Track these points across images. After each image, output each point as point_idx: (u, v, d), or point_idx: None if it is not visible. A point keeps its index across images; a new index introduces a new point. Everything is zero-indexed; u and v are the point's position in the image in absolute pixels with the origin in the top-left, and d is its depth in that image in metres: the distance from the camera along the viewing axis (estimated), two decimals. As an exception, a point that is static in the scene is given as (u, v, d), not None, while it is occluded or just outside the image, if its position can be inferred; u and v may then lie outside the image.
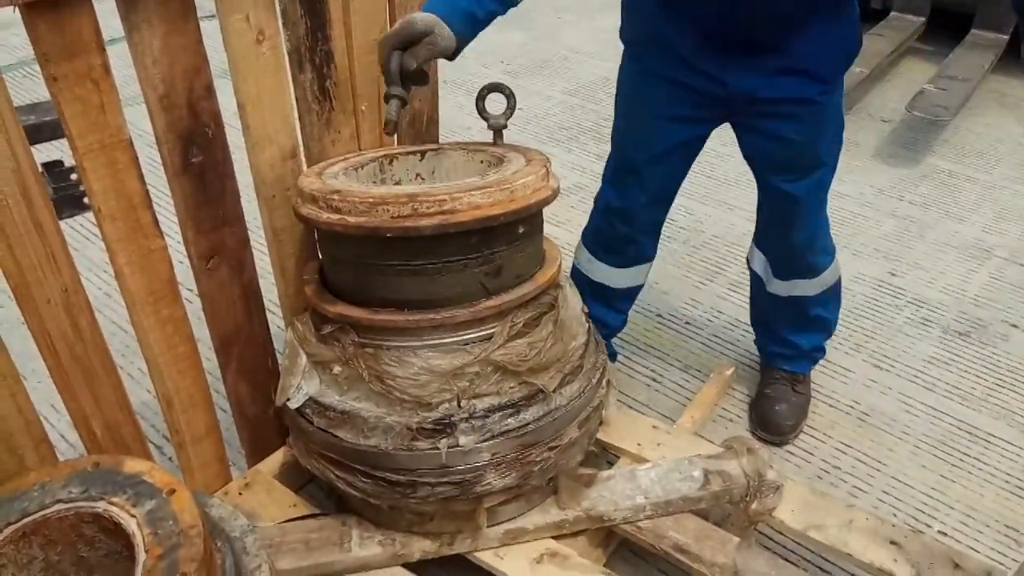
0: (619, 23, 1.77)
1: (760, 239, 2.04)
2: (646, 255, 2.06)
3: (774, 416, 2.10)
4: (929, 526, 1.86)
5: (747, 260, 2.14)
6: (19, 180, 1.16)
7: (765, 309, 2.12)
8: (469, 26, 1.42)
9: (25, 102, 3.60)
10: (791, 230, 1.88)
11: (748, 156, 1.83)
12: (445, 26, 1.37)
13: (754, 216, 2.01)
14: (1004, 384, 2.30)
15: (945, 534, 1.84)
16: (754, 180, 1.88)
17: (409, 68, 1.38)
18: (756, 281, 2.10)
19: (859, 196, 3.28)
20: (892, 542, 1.54)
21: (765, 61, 1.60)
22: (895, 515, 1.89)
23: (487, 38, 1.51)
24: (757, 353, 2.26)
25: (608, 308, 2.11)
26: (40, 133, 3.30)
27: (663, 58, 1.68)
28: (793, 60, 1.60)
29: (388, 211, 1.32)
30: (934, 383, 2.30)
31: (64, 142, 1.32)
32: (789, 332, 2.10)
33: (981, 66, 4.07)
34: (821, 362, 2.30)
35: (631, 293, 2.12)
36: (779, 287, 2.02)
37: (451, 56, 1.42)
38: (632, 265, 2.05)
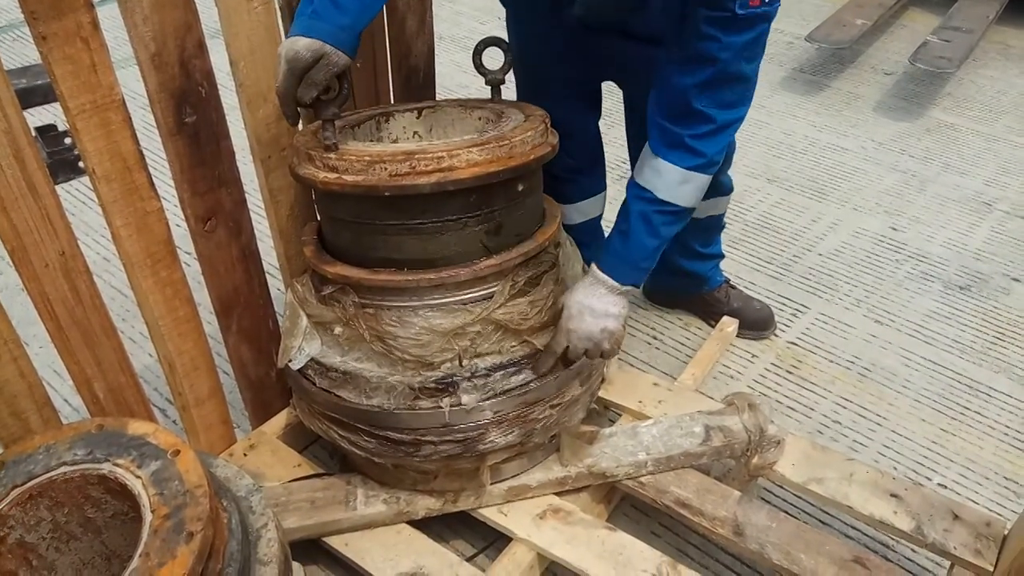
0: None
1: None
2: (597, 190, 2.04)
3: (756, 313, 2.27)
4: (929, 479, 1.88)
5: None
6: (11, 142, 1.15)
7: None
8: (356, 37, 1.29)
9: (17, 66, 3.55)
10: None
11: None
12: (330, 46, 1.25)
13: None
14: (1004, 338, 2.30)
15: (945, 487, 1.86)
16: None
17: (308, 98, 1.26)
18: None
19: (860, 150, 3.25)
20: (892, 495, 1.55)
21: None
22: (895, 468, 1.90)
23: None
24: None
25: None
26: (32, 97, 3.26)
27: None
28: None
29: (386, 169, 1.30)
30: (934, 337, 2.30)
31: (58, 107, 1.30)
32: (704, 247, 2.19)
33: (985, 17, 4.01)
34: (822, 318, 2.34)
35: (588, 226, 2.07)
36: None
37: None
38: (583, 199, 2.01)
